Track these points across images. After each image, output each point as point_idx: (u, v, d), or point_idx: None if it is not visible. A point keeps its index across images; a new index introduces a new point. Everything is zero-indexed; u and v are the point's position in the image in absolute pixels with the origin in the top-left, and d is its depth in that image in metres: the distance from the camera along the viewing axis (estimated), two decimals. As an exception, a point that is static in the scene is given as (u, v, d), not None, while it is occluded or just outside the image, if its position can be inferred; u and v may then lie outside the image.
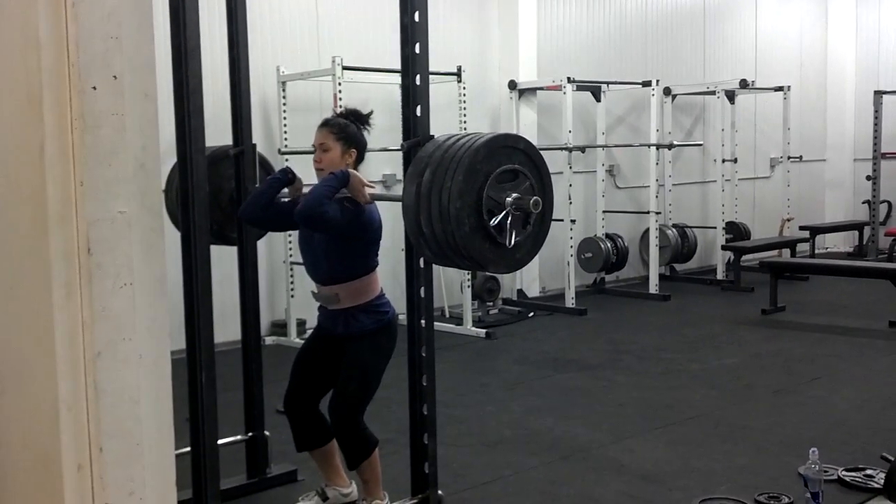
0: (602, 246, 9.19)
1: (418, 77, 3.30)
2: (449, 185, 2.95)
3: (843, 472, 4.11)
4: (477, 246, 3.00)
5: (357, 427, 3.60)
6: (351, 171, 3.49)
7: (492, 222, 3.01)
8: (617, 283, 9.82)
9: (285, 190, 3.65)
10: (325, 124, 3.62)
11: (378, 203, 3.60)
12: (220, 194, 4.04)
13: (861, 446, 4.52)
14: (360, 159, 3.63)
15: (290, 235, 7.01)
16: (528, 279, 8.99)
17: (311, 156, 3.63)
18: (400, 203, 3.14)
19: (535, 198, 3.07)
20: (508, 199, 3.04)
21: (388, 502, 3.70)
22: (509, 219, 3.05)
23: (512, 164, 3.07)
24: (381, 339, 3.63)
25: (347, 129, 3.59)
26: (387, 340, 3.65)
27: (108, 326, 1.99)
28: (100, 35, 1.97)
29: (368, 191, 3.48)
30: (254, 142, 4.07)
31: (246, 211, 3.68)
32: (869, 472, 4.11)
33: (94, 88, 1.96)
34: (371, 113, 3.69)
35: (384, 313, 3.64)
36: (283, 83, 7.12)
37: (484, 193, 2.99)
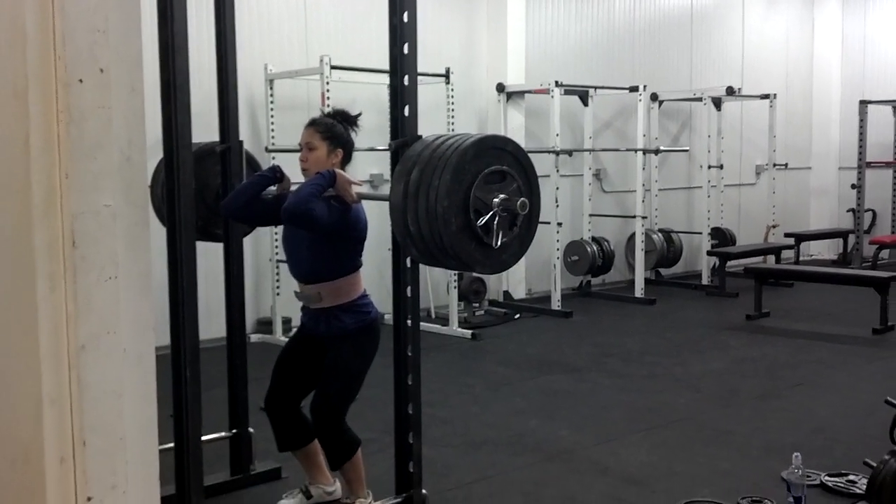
0: (588, 249, 9.22)
1: (406, 77, 3.30)
2: (437, 184, 2.95)
3: (826, 478, 4.14)
4: (463, 246, 3.00)
5: (339, 428, 3.59)
6: (337, 170, 3.48)
7: (479, 222, 3.01)
8: (603, 287, 9.84)
9: (272, 188, 3.65)
10: (312, 124, 3.61)
11: (364, 202, 3.59)
12: (205, 190, 4.02)
13: (844, 452, 4.55)
14: (346, 159, 3.62)
15: (276, 234, 7.00)
16: (515, 281, 9.00)
17: (298, 154, 3.62)
18: (387, 203, 3.13)
19: (522, 199, 3.08)
20: (496, 199, 3.05)
21: (371, 501, 3.70)
22: (496, 219, 3.05)
23: (500, 166, 3.08)
24: (364, 339, 3.62)
25: (334, 128, 3.58)
26: (369, 341, 3.64)
27: (92, 320, 1.98)
28: (87, 28, 1.96)
29: (355, 189, 3.48)
30: (240, 139, 4.06)
31: (228, 205, 3.66)
32: (851, 477, 4.14)
33: (81, 81, 1.95)
34: (359, 115, 3.68)
35: (366, 314, 3.63)
36: (271, 81, 7.11)
37: (471, 193, 2.99)
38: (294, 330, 7.13)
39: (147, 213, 2.11)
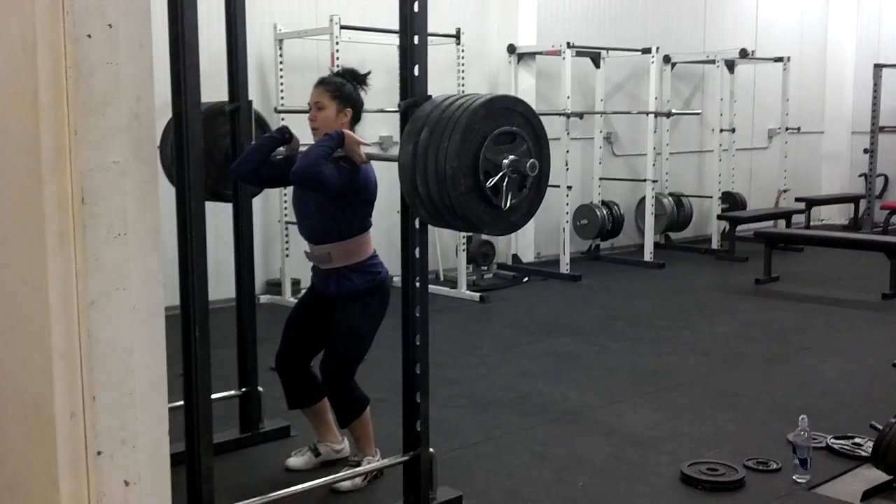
0: (598, 213, 9.19)
1: (416, 37, 3.26)
2: (446, 144, 2.93)
3: (832, 440, 4.15)
4: (472, 207, 2.99)
5: (347, 387, 3.63)
6: (346, 131, 3.47)
7: (488, 184, 3.00)
8: (612, 251, 9.83)
9: (281, 149, 3.64)
10: (321, 83, 3.60)
11: (374, 164, 3.58)
12: (215, 151, 4.01)
13: (850, 415, 4.56)
14: (356, 119, 3.61)
15: (285, 195, 7.00)
16: (523, 244, 8.99)
17: (307, 115, 3.61)
18: (396, 164, 3.12)
19: (532, 160, 3.06)
20: (505, 161, 3.02)
21: (379, 458, 3.74)
22: (506, 181, 3.03)
23: (510, 127, 3.05)
24: (373, 299, 3.64)
25: (343, 88, 3.57)
26: (378, 301, 3.66)
27: (101, 276, 1.99)
28: (95, -17, 1.95)
29: (364, 150, 3.47)
30: (250, 98, 4.05)
31: (239, 168, 3.66)
32: (857, 440, 4.15)
33: (89, 37, 1.95)
34: (369, 73, 3.66)
35: (376, 273, 3.65)
36: (280, 41, 7.06)
37: (481, 154, 2.97)
38: (303, 291, 7.16)
39: (156, 170, 2.12)
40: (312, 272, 3.75)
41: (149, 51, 2.05)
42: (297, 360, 3.76)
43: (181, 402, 3.00)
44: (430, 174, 2.98)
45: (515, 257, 8.90)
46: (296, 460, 3.87)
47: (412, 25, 3.25)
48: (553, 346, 6.04)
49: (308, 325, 3.74)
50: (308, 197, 3.57)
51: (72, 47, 1.93)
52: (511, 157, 3.04)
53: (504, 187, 3.03)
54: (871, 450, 3.76)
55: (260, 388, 4.21)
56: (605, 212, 9.24)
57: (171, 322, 2.21)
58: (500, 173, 3.01)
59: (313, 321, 3.73)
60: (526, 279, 8.34)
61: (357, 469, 3.67)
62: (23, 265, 2.07)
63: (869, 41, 12.23)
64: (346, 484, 3.64)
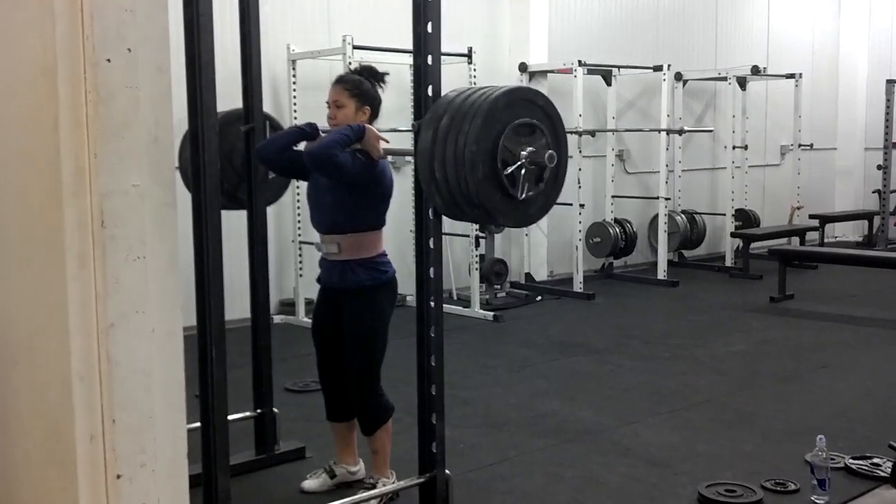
0: (611, 231, 9.18)
1: (430, 57, 3.28)
2: (467, 128, 3.00)
3: (850, 461, 4.12)
4: (488, 194, 3.05)
5: (374, 391, 3.66)
6: (366, 125, 3.53)
7: (505, 171, 3.05)
8: (625, 269, 9.81)
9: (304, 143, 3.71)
10: (340, 81, 3.66)
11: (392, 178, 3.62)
12: (233, 154, 4.06)
13: (867, 435, 4.52)
14: (374, 116, 3.66)
15: (298, 214, 7.02)
16: (536, 263, 8.99)
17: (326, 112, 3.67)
18: (408, 191, 3.16)
19: (550, 151, 3.13)
20: (523, 152, 3.09)
21: (394, 480, 3.72)
22: (523, 171, 3.09)
23: (530, 119, 3.12)
24: (380, 297, 3.64)
25: (361, 85, 3.63)
26: (385, 298, 3.66)
27: (120, 299, 2.00)
28: (114, 8, 1.97)
29: (382, 145, 3.51)
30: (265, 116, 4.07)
31: (263, 149, 3.71)
32: (876, 460, 4.11)
33: (109, 61, 1.96)
34: (387, 73, 3.73)
35: (383, 272, 3.65)
36: (294, 62, 7.10)
37: (500, 143, 3.04)
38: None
39: (174, 192, 2.12)
40: (320, 266, 3.77)
41: (167, 75, 2.06)
42: (334, 370, 3.77)
43: (197, 424, 3.00)
44: (448, 158, 3.04)
45: (528, 276, 8.89)
46: (311, 483, 3.86)
47: (426, 46, 3.27)
48: (567, 366, 6.02)
49: (330, 333, 3.74)
50: (323, 187, 3.61)
51: (91, 71, 1.94)
52: (529, 148, 3.10)
53: (521, 177, 3.08)
54: (889, 470, 3.72)
55: (275, 409, 4.20)
56: (618, 230, 9.23)
57: (187, 343, 2.21)
58: (518, 163, 3.07)
59: (333, 328, 3.73)
60: (539, 298, 8.32)
61: (373, 492, 3.64)
62: (43, 287, 2.07)
63: (881, 57, 12.22)
64: (362, 506, 3.63)
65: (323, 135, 3.66)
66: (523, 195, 3.10)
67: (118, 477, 2.01)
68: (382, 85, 3.70)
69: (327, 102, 3.63)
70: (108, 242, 1.97)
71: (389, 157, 3.65)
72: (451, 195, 3.08)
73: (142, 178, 2.02)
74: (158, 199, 2.06)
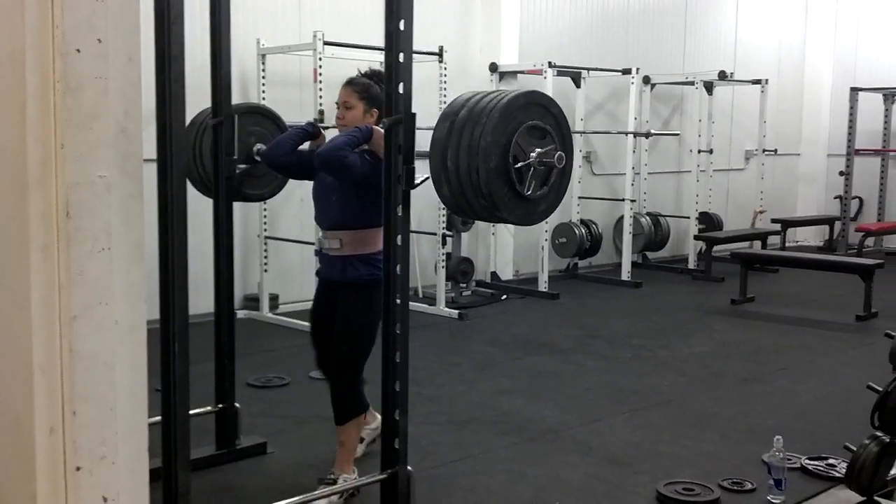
0: (576, 231, 9.24)
1: (402, 54, 3.27)
2: (484, 121, 3.15)
3: (806, 461, 4.19)
4: (497, 187, 3.18)
5: (352, 386, 3.76)
6: (374, 127, 3.62)
7: (515, 165, 3.20)
8: (590, 269, 9.87)
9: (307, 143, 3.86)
10: (349, 83, 3.78)
11: None
12: (244, 150, 4.26)
13: (824, 436, 4.60)
14: (381, 119, 3.68)
15: (265, 210, 6.99)
16: (502, 262, 9.02)
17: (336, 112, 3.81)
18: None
19: (560, 152, 3.30)
20: (533, 153, 3.25)
21: (356, 477, 3.73)
22: (531, 170, 3.24)
23: (543, 124, 3.29)
24: (375, 293, 3.64)
25: (371, 89, 3.73)
26: (380, 297, 3.67)
27: (84, 290, 1.98)
28: (85, -3, 1.95)
29: None
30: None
31: (270, 153, 3.85)
32: (831, 461, 4.19)
33: (78, 51, 1.94)
34: None
35: (381, 269, 3.66)
36: (263, 56, 7.07)
37: (514, 139, 3.19)
38: (281, 307, 7.13)
39: (141, 184, 2.11)
40: (319, 261, 3.89)
41: (137, 66, 2.05)
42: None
43: (158, 418, 2.98)
44: (462, 147, 3.18)
45: (494, 275, 8.92)
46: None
47: (397, 43, 3.26)
48: (531, 364, 6.05)
49: (326, 328, 3.83)
50: (329, 186, 3.72)
51: (61, 61, 1.92)
52: (539, 150, 3.27)
53: (529, 175, 3.24)
54: (844, 471, 3.79)
55: (237, 405, 4.18)
56: (583, 231, 9.29)
57: (150, 336, 2.19)
58: (527, 161, 3.23)
59: (331, 320, 3.80)
60: (504, 297, 8.36)
61: (334, 487, 3.65)
62: (6, 278, 2.05)
63: (846, 65, 12.39)
64: (323, 502, 3.62)
65: (324, 133, 3.81)
66: (529, 191, 3.26)
67: (77, 469, 2.00)
68: None
69: (336, 103, 3.77)
70: (73, 233, 1.96)
71: None
72: (461, 185, 3.21)
73: (109, 170, 2.01)
74: (125, 190, 2.05)
